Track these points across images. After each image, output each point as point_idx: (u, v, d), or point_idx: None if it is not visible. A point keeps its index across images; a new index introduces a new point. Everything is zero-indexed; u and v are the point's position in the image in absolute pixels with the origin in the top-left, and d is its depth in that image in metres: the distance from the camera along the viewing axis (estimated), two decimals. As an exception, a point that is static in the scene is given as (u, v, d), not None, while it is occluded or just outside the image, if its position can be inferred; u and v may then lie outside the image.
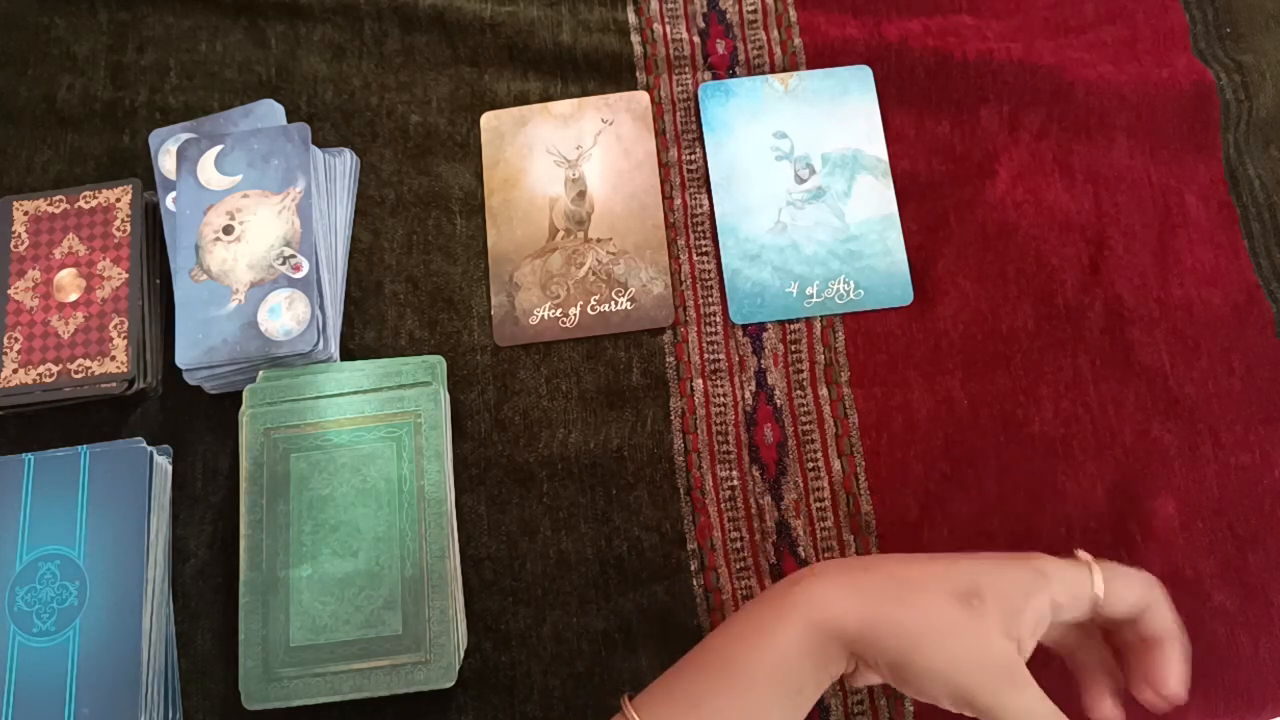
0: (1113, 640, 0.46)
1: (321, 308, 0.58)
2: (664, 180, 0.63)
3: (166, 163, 0.61)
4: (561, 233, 0.62)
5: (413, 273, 0.62)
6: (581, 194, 0.63)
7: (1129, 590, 0.44)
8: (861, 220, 0.62)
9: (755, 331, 0.60)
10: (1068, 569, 0.43)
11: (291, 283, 0.58)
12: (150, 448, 0.56)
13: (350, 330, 0.61)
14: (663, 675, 0.44)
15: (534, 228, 0.63)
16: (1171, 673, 0.43)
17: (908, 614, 0.41)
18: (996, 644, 0.41)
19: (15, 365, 0.58)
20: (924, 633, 0.41)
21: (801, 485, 0.57)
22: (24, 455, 0.56)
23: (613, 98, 0.65)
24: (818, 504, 0.57)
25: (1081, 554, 0.45)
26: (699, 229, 0.62)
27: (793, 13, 0.66)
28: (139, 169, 0.64)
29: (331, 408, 0.56)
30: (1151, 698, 0.44)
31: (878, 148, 0.63)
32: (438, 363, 0.59)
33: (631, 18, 0.67)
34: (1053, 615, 0.43)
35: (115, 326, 0.58)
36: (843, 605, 0.42)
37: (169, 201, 0.60)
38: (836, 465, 0.58)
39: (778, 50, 0.66)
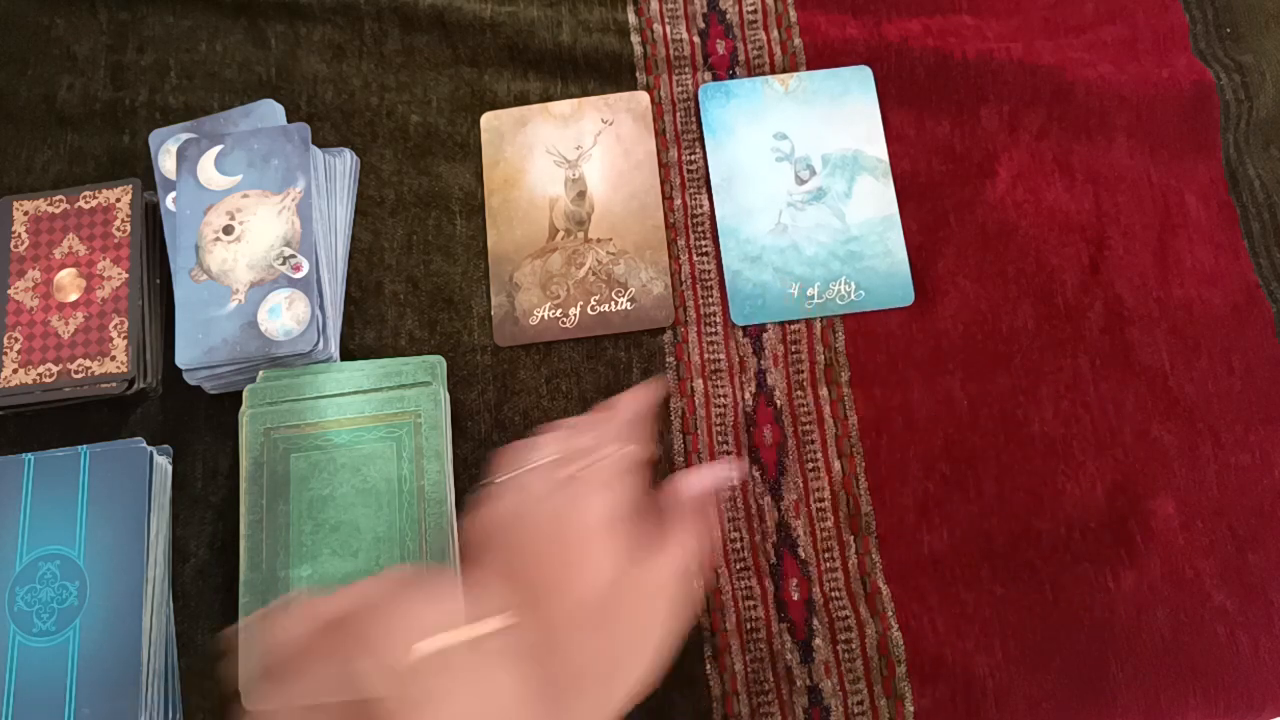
0: None
1: (321, 308, 0.58)
2: (664, 180, 0.63)
3: (166, 163, 0.61)
4: (561, 233, 0.62)
5: (413, 273, 0.62)
6: (581, 194, 0.63)
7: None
8: (862, 221, 0.62)
9: (755, 332, 0.60)
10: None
11: (291, 283, 0.58)
12: (150, 448, 0.56)
13: (350, 330, 0.61)
14: None
15: (534, 228, 0.63)
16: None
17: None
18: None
19: (15, 365, 0.57)
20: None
21: (801, 485, 0.57)
22: (24, 455, 0.56)
23: (613, 98, 0.65)
24: (818, 504, 0.57)
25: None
26: (699, 229, 0.62)
27: (793, 13, 0.66)
28: (139, 169, 0.64)
29: (331, 408, 0.56)
30: None
31: (878, 148, 0.63)
32: (438, 363, 0.59)
33: (631, 18, 0.66)
34: None
35: (115, 326, 0.58)
36: None
37: (169, 201, 0.60)
38: (836, 465, 0.58)
39: (778, 50, 0.66)
